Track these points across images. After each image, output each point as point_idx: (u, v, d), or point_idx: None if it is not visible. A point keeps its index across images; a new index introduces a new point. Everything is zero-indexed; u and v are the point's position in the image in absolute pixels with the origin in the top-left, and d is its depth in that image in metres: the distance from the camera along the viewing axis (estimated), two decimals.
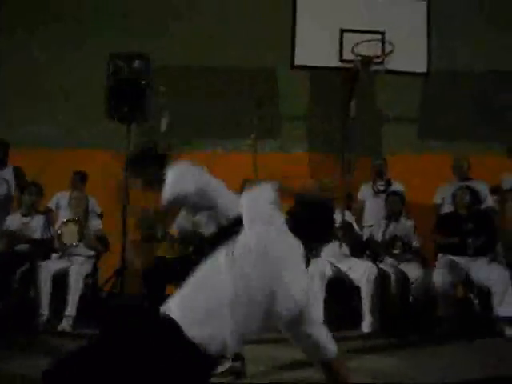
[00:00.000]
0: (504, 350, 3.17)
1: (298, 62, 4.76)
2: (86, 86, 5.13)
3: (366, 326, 3.67)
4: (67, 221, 4.02)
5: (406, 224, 4.23)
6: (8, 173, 4.55)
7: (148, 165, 4.19)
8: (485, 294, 3.74)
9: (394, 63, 4.67)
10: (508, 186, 4.34)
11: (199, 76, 5.43)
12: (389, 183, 4.71)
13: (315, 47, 4.75)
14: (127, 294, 4.41)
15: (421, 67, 4.82)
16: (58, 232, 3.98)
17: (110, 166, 5.01)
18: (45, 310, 3.70)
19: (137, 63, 4.25)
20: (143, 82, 4.25)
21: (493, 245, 3.92)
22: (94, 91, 4.78)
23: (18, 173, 4.59)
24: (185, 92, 5.26)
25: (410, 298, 3.87)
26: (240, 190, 4.20)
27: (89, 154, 5.16)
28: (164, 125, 4.16)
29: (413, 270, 3.91)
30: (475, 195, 4.03)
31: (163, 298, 3.90)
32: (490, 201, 4.36)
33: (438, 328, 3.62)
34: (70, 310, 3.70)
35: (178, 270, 3.74)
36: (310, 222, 1.77)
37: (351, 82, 4.81)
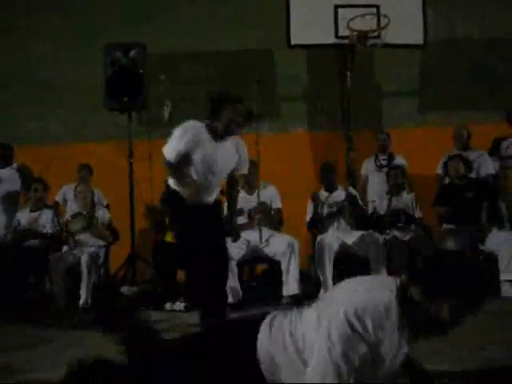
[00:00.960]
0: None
1: (294, 41, 4.76)
2: (83, 78, 5.14)
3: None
4: (75, 214, 4.09)
5: (407, 197, 4.27)
6: (13, 170, 4.61)
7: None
8: (491, 260, 3.79)
9: (391, 36, 4.66)
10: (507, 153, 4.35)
11: (196, 62, 5.42)
12: (391, 157, 4.74)
13: (310, 25, 4.74)
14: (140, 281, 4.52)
15: (417, 39, 4.81)
16: (66, 222, 4.05)
17: (114, 157, 5.06)
18: (61, 301, 3.78)
19: (133, 52, 4.27)
20: (141, 71, 4.27)
21: (496, 211, 3.96)
22: (92, 83, 4.80)
23: (24, 170, 4.64)
24: (182, 79, 5.26)
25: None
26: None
27: (92, 147, 5.19)
28: (166, 113, 4.17)
29: (418, 241, 3.96)
30: (467, 164, 4.07)
31: (174, 283, 4.00)
32: (490, 168, 4.38)
33: None
34: (85, 299, 3.79)
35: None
36: None
37: (348, 58, 4.80)
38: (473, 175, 4.19)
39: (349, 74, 4.89)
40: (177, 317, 3.59)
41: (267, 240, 3.91)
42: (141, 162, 4.90)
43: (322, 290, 3.76)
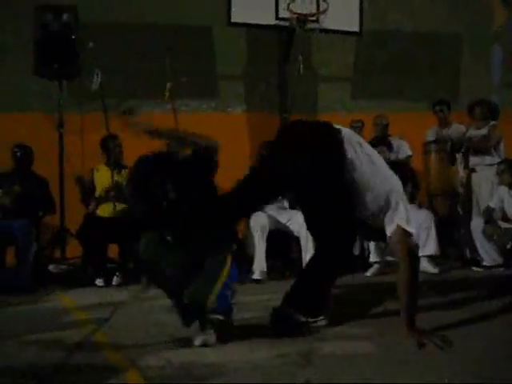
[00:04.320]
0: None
1: (234, 19, 4.75)
2: (11, 41, 4.79)
3: None
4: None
5: None
6: None
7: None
8: None
9: (329, 22, 4.80)
10: (431, 138, 4.67)
11: (133, 33, 5.23)
12: None
13: (251, 5, 4.74)
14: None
15: (353, 27, 4.99)
16: None
17: (42, 129, 4.78)
18: None
19: (65, 16, 4.04)
20: (73, 37, 4.06)
21: (417, 192, 4.25)
22: (20, 46, 4.49)
23: None
24: (119, 49, 5.06)
25: None
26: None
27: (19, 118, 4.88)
28: (96, 83, 3.98)
29: None
30: (390, 147, 4.33)
31: (103, 258, 3.91)
32: (408, 150, 4.69)
33: None
34: None
35: (116, 229, 3.78)
36: None
37: (287, 40, 4.88)
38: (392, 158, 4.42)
39: (288, 56, 4.98)
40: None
41: None
42: (70, 136, 4.70)
43: (254, 265, 3.84)
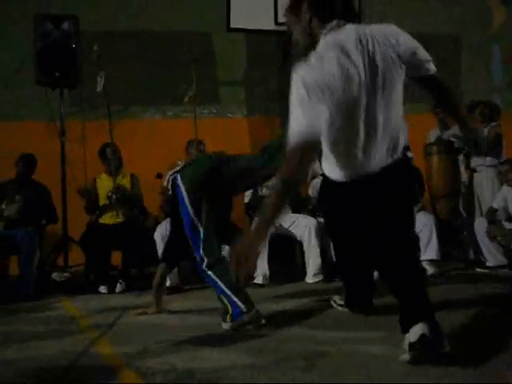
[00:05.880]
0: None
1: (233, 24, 4.77)
2: (10, 50, 4.83)
3: (310, 277, 3.86)
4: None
5: None
6: None
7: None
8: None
9: None
10: (432, 139, 4.66)
11: (134, 40, 5.27)
12: None
13: (250, 10, 4.76)
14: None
15: None
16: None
17: (44, 138, 4.80)
18: None
19: (66, 25, 4.07)
20: (74, 46, 4.09)
21: (421, 195, 4.23)
22: (20, 56, 4.51)
23: None
24: (119, 57, 5.08)
25: None
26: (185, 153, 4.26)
27: (19, 126, 4.90)
28: (100, 85, 3.98)
29: None
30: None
31: (106, 265, 3.91)
32: (409, 153, 4.66)
33: None
34: None
35: (121, 235, 3.79)
36: None
37: (287, 45, 4.88)
38: None
39: (288, 60, 4.98)
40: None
41: None
42: (72, 144, 4.72)
43: (256, 270, 3.81)
